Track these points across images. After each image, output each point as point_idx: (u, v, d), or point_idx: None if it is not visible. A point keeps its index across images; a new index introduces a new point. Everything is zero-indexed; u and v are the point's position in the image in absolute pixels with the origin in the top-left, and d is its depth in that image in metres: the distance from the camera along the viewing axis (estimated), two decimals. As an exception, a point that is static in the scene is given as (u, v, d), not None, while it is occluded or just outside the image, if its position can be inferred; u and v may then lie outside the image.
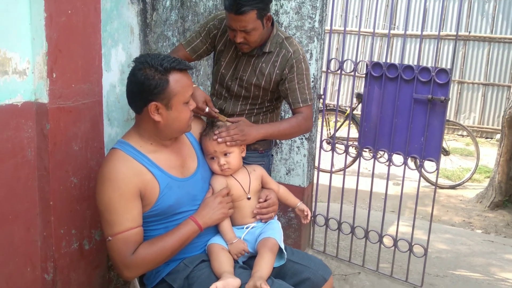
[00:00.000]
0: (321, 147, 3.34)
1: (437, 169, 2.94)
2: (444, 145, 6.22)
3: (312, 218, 3.51)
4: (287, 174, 3.32)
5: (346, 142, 3.25)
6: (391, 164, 3.08)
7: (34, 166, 1.88)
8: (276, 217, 2.07)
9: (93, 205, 2.09)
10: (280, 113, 2.51)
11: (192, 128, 1.97)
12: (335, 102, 3.83)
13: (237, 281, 1.71)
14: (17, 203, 1.84)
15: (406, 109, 2.93)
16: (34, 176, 1.89)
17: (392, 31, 9.27)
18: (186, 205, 1.86)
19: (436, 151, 2.88)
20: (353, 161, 6.06)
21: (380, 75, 2.99)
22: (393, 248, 3.18)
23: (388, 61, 3.06)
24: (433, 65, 2.75)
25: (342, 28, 9.32)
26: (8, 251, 1.85)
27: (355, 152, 3.25)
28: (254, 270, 1.77)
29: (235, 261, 1.88)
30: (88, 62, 1.99)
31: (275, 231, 1.93)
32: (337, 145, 3.36)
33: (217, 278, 1.76)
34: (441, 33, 9.15)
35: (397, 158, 3.06)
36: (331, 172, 3.34)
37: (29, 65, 1.79)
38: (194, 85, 1.98)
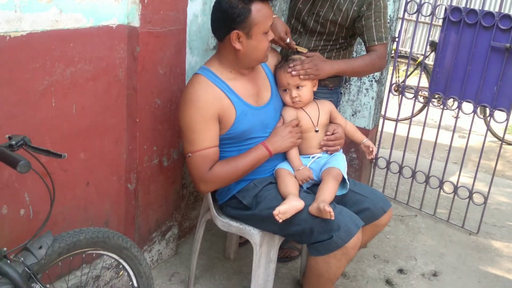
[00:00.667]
0: (390, 91, 3.36)
1: (507, 119, 2.90)
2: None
3: (374, 160, 3.58)
4: (353, 115, 3.39)
5: (416, 87, 3.25)
6: (460, 112, 3.07)
7: (124, 85, 2.08)
8: (341, 150, 2.17)
9: (173, 126, 2.29)
10: (353, 51, 2.55)
11: (268, 60, 2.08)
12: (408, 49, 3.75)
13: (301, 203, 1.86)
14: (108, 117, 2.05)
15: (482, 56, 2.89)
16: (123, 94, 2.09)
17: None
18: (258, 131, 2.01)
19: (508, 101, 2.85)
20: (420, 110, 5.97)
21: (459, 20, 2.93)
22: (452, 195, 3.23)
23: (468, 6, 2.98)
24: (516, 13, 2.68)
25: None
26: (98, 160, 2.08)
27: (424, 100, 3.25)
28: (318, 195, 1.90)
29: (300, 186, 2.03)
30: (175, -10, 2.12)
31: (339, 162, 2.05)
32: (406, 92, 3.36)
33: (283, 199, 1.91)
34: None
35: (467, 108, 3.05)
36: (397, 115, 3.37)
37: (125, -11, 1.94)
38: (275, 16, 2.06)
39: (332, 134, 2.10)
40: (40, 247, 1.43)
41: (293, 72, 2.01)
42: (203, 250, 2.68)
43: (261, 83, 2.09)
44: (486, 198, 3.09)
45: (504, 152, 5.55)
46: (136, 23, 1.99)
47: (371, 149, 2.17)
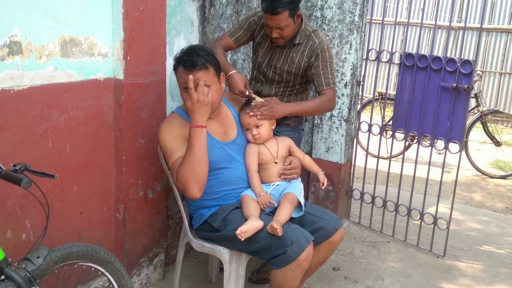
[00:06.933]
0: (358, 129, 3.72)
1: (460, 151, 3.23)
2: (496, 136, 6.33)
3: (349, 192, 3.90)
4: (326, 151, 3.73)
5: (382, 125, 3.61)
6: (419, 145, 3.41)
7: (111, 128, 2.45)
8: (299, 179, 2.51)
9: (157, 162, 2.64)
10: (309, 94, 2.93)
11: (235, 105, 2.53)
12: (373, 91, 4.12)
13: (259, 223, 2.18)
14: (98, 156, 2.41)
15: (434, 95, 3.25)
16: (111, 135, 2.45)
17: (425, 22, 9.25)
18: (224, 163, 2.36)
19: (459, 134, 3.18)
20: (407, 148, 6.31)
21: (412, 65, 3.31)
22: (419, 221, 3.52)
23: (420, 51, 3.37)
24: (459, 56, 3.04)
25: (390, 19, 9.56)
26: (90, 192, 2.43)
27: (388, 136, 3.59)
28: (274, 216, 2.23)
29: (263, 210, 2.35)
30: (155, 48, 2.52)
31: (295, 188, 2.38)
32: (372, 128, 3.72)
33: (246, 220, 2.23)
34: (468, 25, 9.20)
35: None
36: (367, 152, 3.71)
37: (110, 49, 2.34)
38: (234, 71, 2.49)
39: (289, 164, 2.44)
40: (38, 257, 1.77)
41: (251, 113, 2.38)
42: (189, 275, 2.98)
43: (228, 123, 2.46)
44: (448, 223, 3.37)
45: (487, 185, 5.83)
46: (120, 76, 2.38)
47: (322, 182, 2.55)
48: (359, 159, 3.91)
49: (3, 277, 1.68)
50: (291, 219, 2.32)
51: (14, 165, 1.68)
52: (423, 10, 3.37)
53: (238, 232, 2.14)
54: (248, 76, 3.10)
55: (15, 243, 2.09)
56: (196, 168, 2.16)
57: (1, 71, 1.90)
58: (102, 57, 2.32)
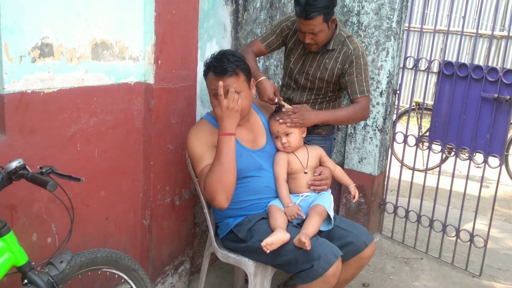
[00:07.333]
0: (393, 139, 3.61)
1: (500, 165, 3.08)
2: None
3: (382, 205, 3.78)
4: (359, 162, 3.63)
5: (418, 136, 3.49)
6: (457, 158, 3.27)
7: (140, 132, 2.42)
8: (329, 190, 2.43)
9: (185, 168, 2.60)
10: (342, 102, 2.84)
11: (265, 112, 2.48)
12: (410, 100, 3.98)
13: (286, 235, 2.10)
14: (126, 161, 2.39)
15: (474, 106, 3.11)
16: (140, 140, 2.43)
17: (466, 30, 8.91)
18: (252, 171, 2.30)
19: (500, 148, 3.03)
20: (444, 161, 6.10)
21: (451, 73, 3.19)
22: (454, 237, 3.37)
23: (460, 60, 3.24)
24: (501, 65, 2.90)
25: (429, 27, 9.24)
26: (117, 198, 2.40)
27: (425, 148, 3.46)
28: (302, 228, 2.15)
29: (290, 222, 2.28)
30: (186, 52, 2.49)
31: (325, 200, 2.30)
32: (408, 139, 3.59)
33: (272, 232, 2.17)
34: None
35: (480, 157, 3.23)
36: (401, 163, 3.59)
37: (141, 53, 2.32)
38: (263, 77, 2.43)
39: (319, 175, 2.36)
40: (61, 262, 1.75)
41: (280, 121, 2.31)
42: (214, 285, 2.93)
43: (257, 131, 2.40)
44: (486, 241, 3.21)
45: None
46: (151, 80, 2.36)
47: (353, 195, 2.45)
48: (394, 170, 3.79)
49: (25, 281, 1.67)
50: (320, 232, 2.24)
51: (41, 168, 1.67)
52: (464, 17, 3.24)
53: (263, 244, 2.07)
54: (280, 83, 3.03)
55: (40, 247, 2.08)
56: (224, 177, 2.11)
57: (31, 73, 1.90)
58: (133, 60, 2.30)
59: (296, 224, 2.30)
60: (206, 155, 2.22)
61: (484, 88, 3.05)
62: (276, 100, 2.43)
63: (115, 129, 2.30)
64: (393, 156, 3.77)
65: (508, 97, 2.93)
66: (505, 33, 9.33)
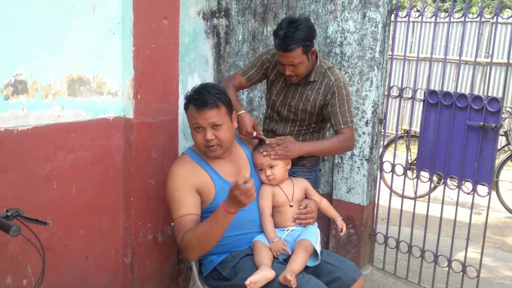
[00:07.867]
0: (381, 169, 3.57)
1: (489, 193, 3.04)
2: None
3: (373, 236, 3.71)
4: (347, 192, 3.57)
5: (405, 165, 3.45)
6: (445, 187, 3.23)
7: (120, 168, 2.36)
8: (316, 224, 2.36)
9: (166, 204, 2.53)
10: (326, 133, 2.81)
11: (249, 144, 2.43)
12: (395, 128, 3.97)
13: (271, 273, 2.03)
14: (105, 198, 2.32)
15: (460, 134, 3.09)
16: (120, 176, 2.37)
17: (449, 57, 8.95)
18: (237, 207, 2.22)
19: (488, 176, 3.00)
20: (434, 188, 6.07)
21: (436, 102, 3.17)
22: (447, 268, 3.30)
23: (445, 87, 3.23)
24: (485, 93, 2.90)
25: (411, 55, 9.27)
26: (97, 236, 2.33)
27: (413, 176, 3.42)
28: (287, 265, 2.08)
29: (276, 258, 2.20)
30: (167, 86, 2.45)
31: (311, 234, 2.23)
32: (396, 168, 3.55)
33: (257, 269, 2.09)
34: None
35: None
36: (391, 190, 3.54)
37: (120, 87, 2.28)
38: (243, 111, 2.40)
39: (305, 208, 2.30)
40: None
41: (264, 153, 2.27)
42: (200, 323, 2.81)
43: (241, 163, 2.34)
44: (478, 271, 3.15)
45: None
46: (130, 115, 2.31)
47: (340, 228, 2.39)
48: (383, 197, 3.73)
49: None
50: (306, 268, 2.16)
51: (7, 211, 1.60)
52: (446, 45, 3.24)
53: (247, 282, 1.99)
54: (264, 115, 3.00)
55: (14, 290, 2.00)
56: (206, 245, 2.06)
57: (4, 110, 1.85)
58: (111, 96, 2.26)
59: (282, 260, 2.23)
60: (186, 201, 2.13)
61: (469, 116, 3.03)
62: (254, 134, 2.39)
63: (94, 165, 2.24)
64: (382, 181, 3.71)
65: (494, 125, 2.92)
66: (488, 59, 9.44)
